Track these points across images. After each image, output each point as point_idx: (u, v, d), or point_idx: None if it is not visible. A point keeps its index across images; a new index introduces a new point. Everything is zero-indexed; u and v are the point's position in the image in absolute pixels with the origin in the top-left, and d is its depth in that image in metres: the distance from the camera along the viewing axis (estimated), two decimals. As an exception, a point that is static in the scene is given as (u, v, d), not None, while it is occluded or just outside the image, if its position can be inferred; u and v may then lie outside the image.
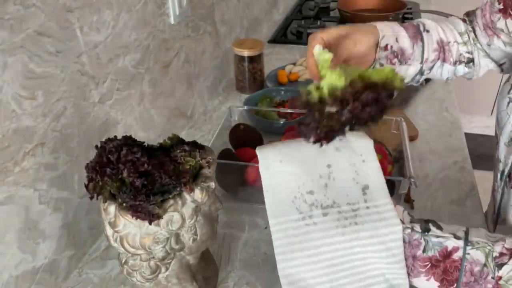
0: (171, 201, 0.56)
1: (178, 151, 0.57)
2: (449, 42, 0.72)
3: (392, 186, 0.83)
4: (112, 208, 0.56)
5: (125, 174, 0.54)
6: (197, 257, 0.66)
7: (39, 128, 0.64)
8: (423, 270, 0.58)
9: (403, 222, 0.60)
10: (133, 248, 0.57)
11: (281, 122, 1.07)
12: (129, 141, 0.59)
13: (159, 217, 0.55)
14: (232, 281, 0.74)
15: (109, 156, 0.55)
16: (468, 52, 0.74)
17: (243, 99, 1.23)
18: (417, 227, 0.59)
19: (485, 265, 0.56)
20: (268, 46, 1.62)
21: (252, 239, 0.81)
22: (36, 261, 0.67)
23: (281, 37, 1.69)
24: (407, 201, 0.87)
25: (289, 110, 1.08)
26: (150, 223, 0.55)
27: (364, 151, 0.64)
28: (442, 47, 0.71)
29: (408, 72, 0.70)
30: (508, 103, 0.66)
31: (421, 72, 0.71)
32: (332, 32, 0.64)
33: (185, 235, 0.59)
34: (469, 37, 0.74)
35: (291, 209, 0.62)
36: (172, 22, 0.99)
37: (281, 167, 0.64)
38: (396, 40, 0.67)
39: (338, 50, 0.63)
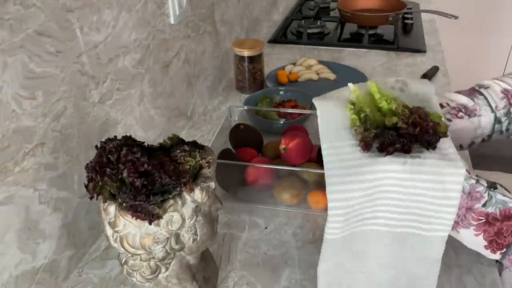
0: (171, 201, 0.56)
1: (178, 151, 0.57)
2: None
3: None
4: (112, 208, 0.56)
5: (125, 174, 0.54)
6: (197, 257, 0.66)
7: (39, 128, 0.64)
8: (475, 223, 0.55)
9: (468, 172, 0.56)
10: (133, 248, 0.57)
11: (281, 122, 1.07)
12: (129, 141, 0.59)
13: (159, 217, 0.55)
14: (232, 281, 0.74)
15: (109, 156, 0.55)
16: None
17: (243, 99, 1.23)
18: (483, 181, 0.56)
19: None
20: (268, 46, 1.62)
21: (252, 239, 0.81)
22: (36, 261, 0.67)
23: (281, 37, 1.69)
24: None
25: (289, 110, 1.08)
26: (150, 223, 0.55)
27: (424, 97, 0.62)
28: (509, 94, 0.68)
29: (481, 123, 0.67)
30: None
31: (498, 121, 0.68)
32: None
33: (185, 235, 0.59)
34: None
35: (346, 134, 0.59)
36: (172, 22, 0.99)
37: (338, 99, 0.62)
38: (451, 101, 0.66)
39: None
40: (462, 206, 0.55)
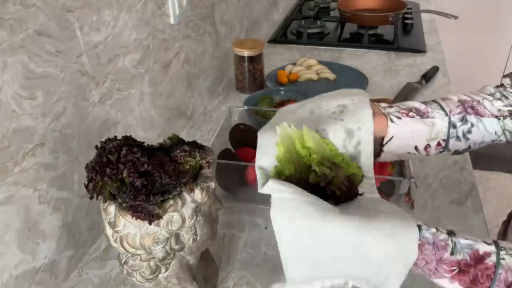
0: (171, 201, 0.56)
1: (178, 151, 0.57)
2: (478, 101, 0.66)
3: (392, 186, 0.83)
4: (112, 208, 0.56)
5: (125, 174, 0.54)
6: (197, 257, 0.66)
7: (39, 128, 0.64)
8: (448, 275, 0.53)
9: (424, 224, 0.55)
10: (133, 248, 0.57)
11: (281, 122, 1.07)
12: (129, 141, 0.59)
13: (159, 217, 0.55)
14: (232, 281, 0.74)
15: (109, 156, 0.55)
16: (508, 105, 0.66)
17: (243, 99, 1.23)
18: (442, 229, 0.55)
19: None
20: (268, 46, 1.62)
21: (252, 239, 0.81)
22: (36, 261, 0.67)
23: (281, 37, 1.69)
24: (407, 201, 0.87)
25: (289, 110, 1.08)
26: (150, 223, 0.55)
27: (361, 118, 0.62)
28: (466, 104, 0.66)
29: (435, 124, 0.65)
30: None
31: (453, 125, 0.66)
32: None
33: (185, 235, 0.59)
34: (502, 94, 0.67)
35: None
36: (172, 22, 0.99)
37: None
38: (402, 104, 0.66)
39: None
40: (431, 259, 0.53)
